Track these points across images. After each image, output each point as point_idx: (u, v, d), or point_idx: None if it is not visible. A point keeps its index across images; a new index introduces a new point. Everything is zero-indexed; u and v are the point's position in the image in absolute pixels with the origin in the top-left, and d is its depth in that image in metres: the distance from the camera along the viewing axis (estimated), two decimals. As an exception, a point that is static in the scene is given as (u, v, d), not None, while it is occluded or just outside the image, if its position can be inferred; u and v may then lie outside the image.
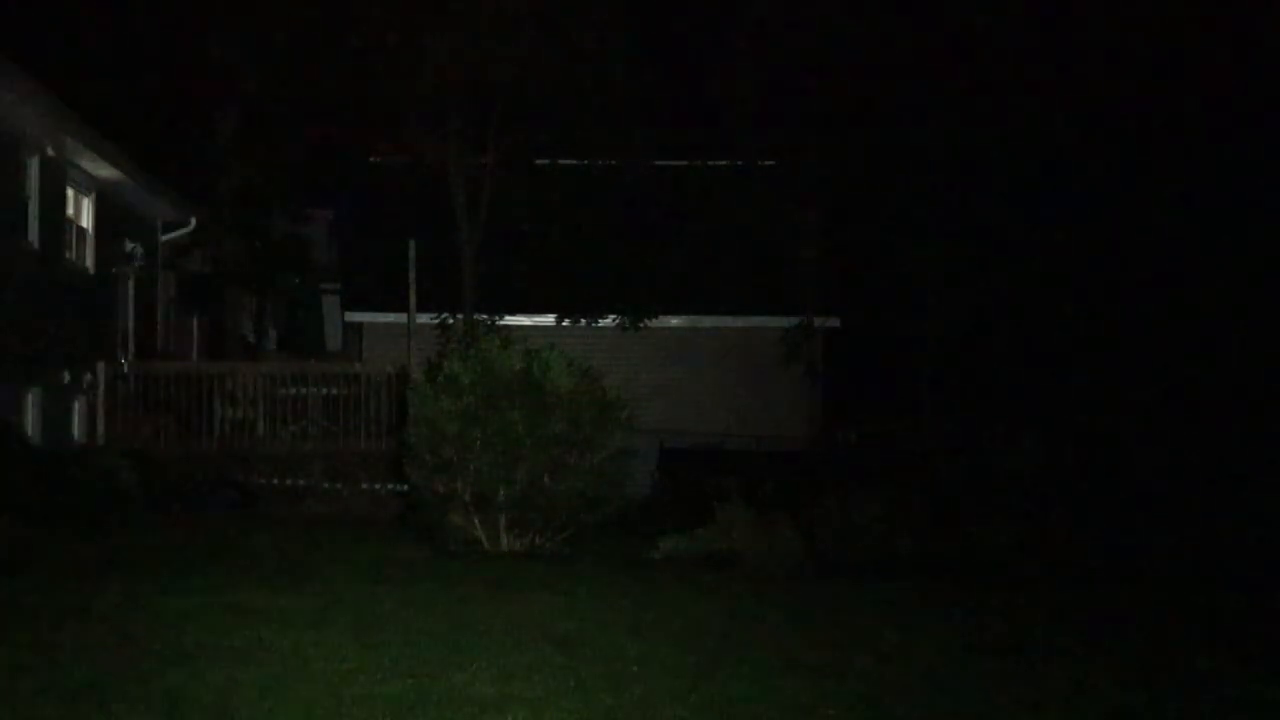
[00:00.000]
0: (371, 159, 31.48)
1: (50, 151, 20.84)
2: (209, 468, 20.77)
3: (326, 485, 20.57)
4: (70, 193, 22.39)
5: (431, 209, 28.50)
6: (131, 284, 25.08)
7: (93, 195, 23.30)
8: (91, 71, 26.80)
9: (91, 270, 23.43)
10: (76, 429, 22.17)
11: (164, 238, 28.05)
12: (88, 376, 22.19)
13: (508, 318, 28.16)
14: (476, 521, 15.04)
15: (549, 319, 29.32)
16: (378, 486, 20.53)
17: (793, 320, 29.94)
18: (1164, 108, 29.50)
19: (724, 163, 31.59)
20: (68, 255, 22.40)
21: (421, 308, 25.56)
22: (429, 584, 12.07)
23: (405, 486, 17.63)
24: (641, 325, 29.81)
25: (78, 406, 22.23)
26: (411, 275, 24.84)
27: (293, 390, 22.66)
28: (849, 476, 20.24)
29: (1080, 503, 20.07)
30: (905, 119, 30.07)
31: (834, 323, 30.48)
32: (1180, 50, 28.88)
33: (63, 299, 21.86)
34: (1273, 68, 28.68)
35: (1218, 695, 8.73)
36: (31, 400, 20.38)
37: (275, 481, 20.45)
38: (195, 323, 32.30)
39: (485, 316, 27.79)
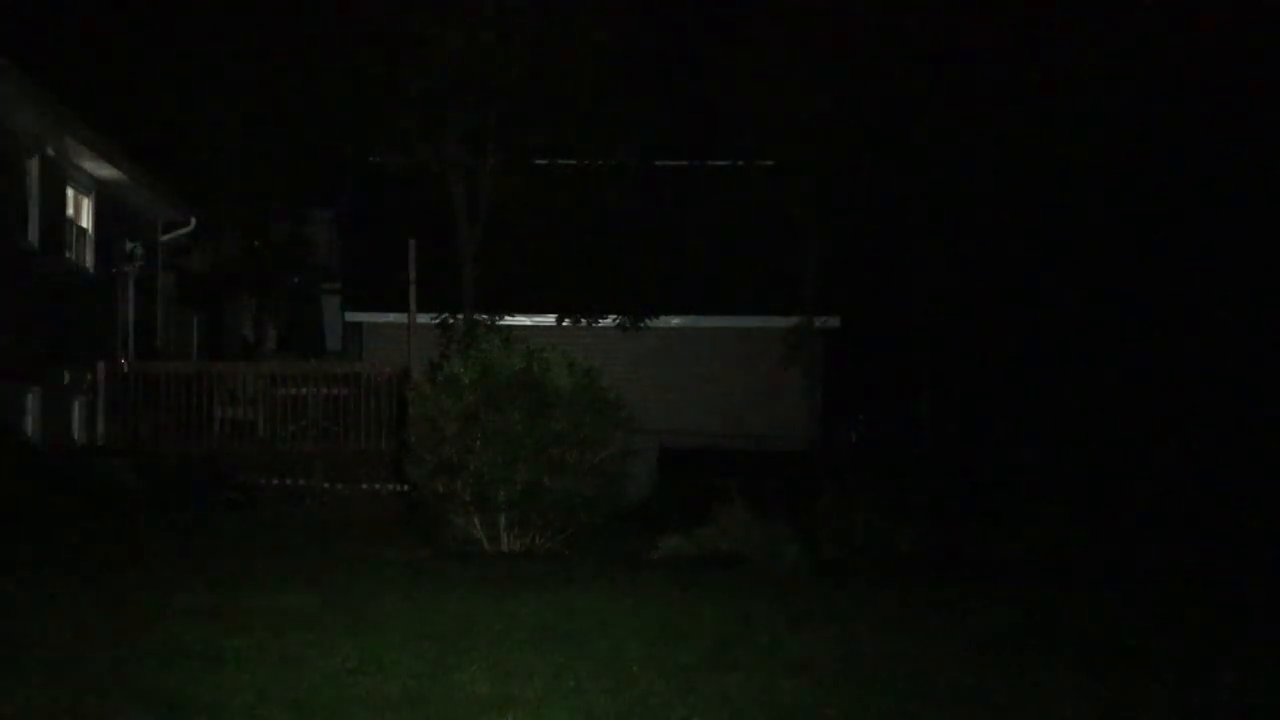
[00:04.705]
0: (371, 159, 31.49)
1: (50, 151, 20.84)
2: (209, 468, 20.75)
3: (326, 485, 20.55)
4: (70, 193, 22.39)
5: (431, 209, 28.50)
6: (131, 284, 25.09)
7: (93, 195, 23.30)
8: (92, 71, 26.80)
9: (91, 270, 23.42)
10: (76, 429, 22.17)
11: (164, 238, 28.04)
12: (88, 376, 22.19)
13: (508, 318, 28.16)
14: (476, 521, 15.03)
15: (549, 319, 29.32)
16: (378, 486, 20.52)
17: (793, 320, 29.93)
18: (1162, 103, 29.49)
19: (724, 163, 31.61)
20: (68, 255, 22.40)
21: (421, 308, 25.56)
22: (429, 584, 12.07)
23: (405, 486, 17.63)
24: (641, 325, 29.81)
25: (78, 406, 22.22)
26: (411, 275, 24.82)
27: (293, 390, 22.65)
28: (849, 476, 20.25)
29: (1079, 503, 20.07)
30: (905, 118, 30.05)
31: (834, 323, 30.48)
32: (1181, 44, 28.87)
33: (63, 298, 21.85)
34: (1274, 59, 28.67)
35: (1215, 696, 8.73)
36: (31, 400, 20.38)
37: (275, 481, 20.42)
38: (195, 322, 32.30)
39: (485, 316, 27.80)
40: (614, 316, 29.84)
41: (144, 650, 8.73)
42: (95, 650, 8.65)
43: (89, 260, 23.38)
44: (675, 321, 30.39)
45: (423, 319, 26.08)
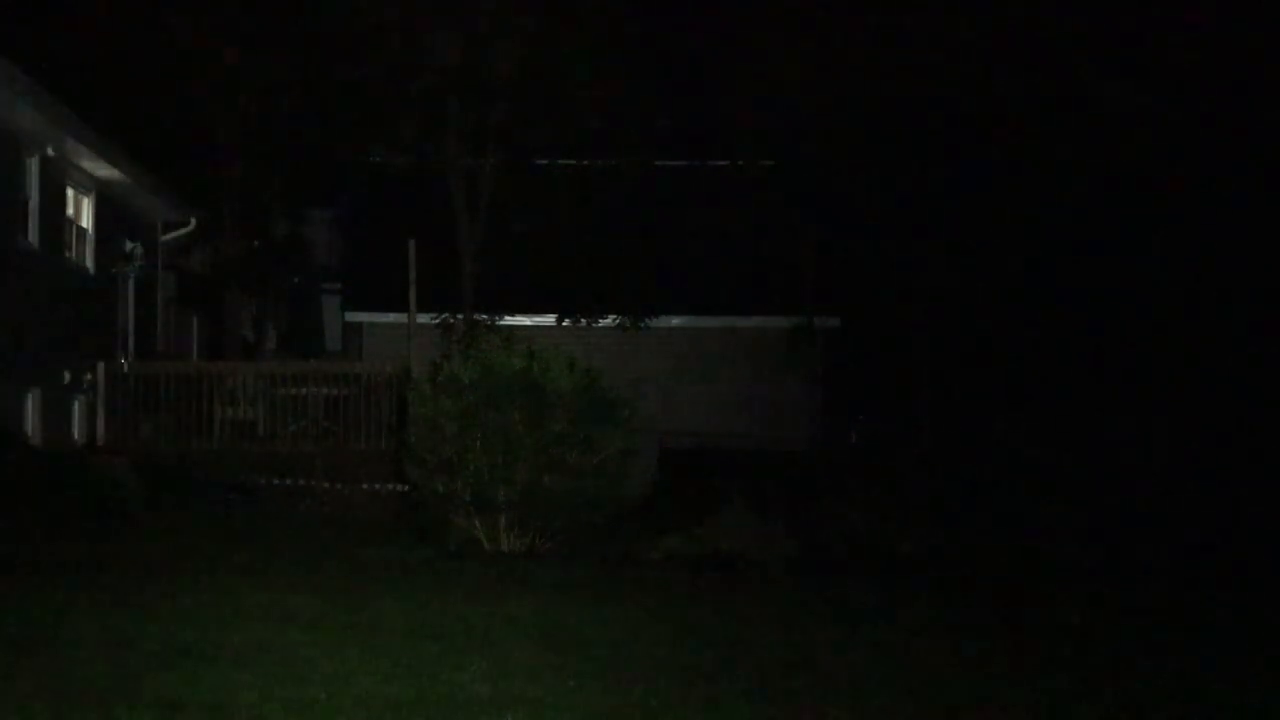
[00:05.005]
0: (371, 159, 31.49)
1: (50, 151, 20.83)
2: (209, 468, 20.75)
3: (326, 485, 20.54)
4: (70, 193, 22.39)
5: (431, 209, 28.50)
6: (131, 284, 25.08)
7: (93, 195, 23.30)
8: (91, 71, 26.79)
9: (91, 270, 23.42)
10: (76, 429, 22.17)
11: (164, 238, 28.05)
12: (88, 376, 22.19)
13: (508, 318, 28.17)
14: (476, 521, 15.03)
15: (549, 319, 29.32)
16: (378, 486, 20.51)
17: (793, 320, 29.94)
18: (1162, 101, 29.48)
19: (724, 163, 31.62)
20: (68, 255, 22.40)
21: (421, 308, 25.55)
22: (429, 584, 12.07)
23: (405, 486, 17.63)
24: (641, 325, 29.81)
25: (78, 406, 22.22)
26: (411, 275, 24.82)
27: (293, 390, 22.65)
28: (848, 476, 20.26)
29: (1080, 502, 20.06)
30: (904, 118, 30.05)
31: (834, 323, 30.49)
32: (1181, 43, 28.87)
33: (63, 299, 21.86)
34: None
35: (1208, 698, 8.74)
36: (31, 400, 20.38)
37: (275, 481, 20.41)
38: (195, 323, 32.28)
39: (485, 316, 27.80)
40: (614, 316, 29.84)
41: (144, 650, 8.73)
42: (95, 650, 8.65)
43: (89, 260, 23.38)
44: (675, 321, 30.39)
45: (423, 319, 26.08)
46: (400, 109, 27.85)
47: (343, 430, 22.15)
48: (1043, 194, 30.89)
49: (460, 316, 27.95)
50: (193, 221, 28.24)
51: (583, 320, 29.67)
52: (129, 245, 24.56)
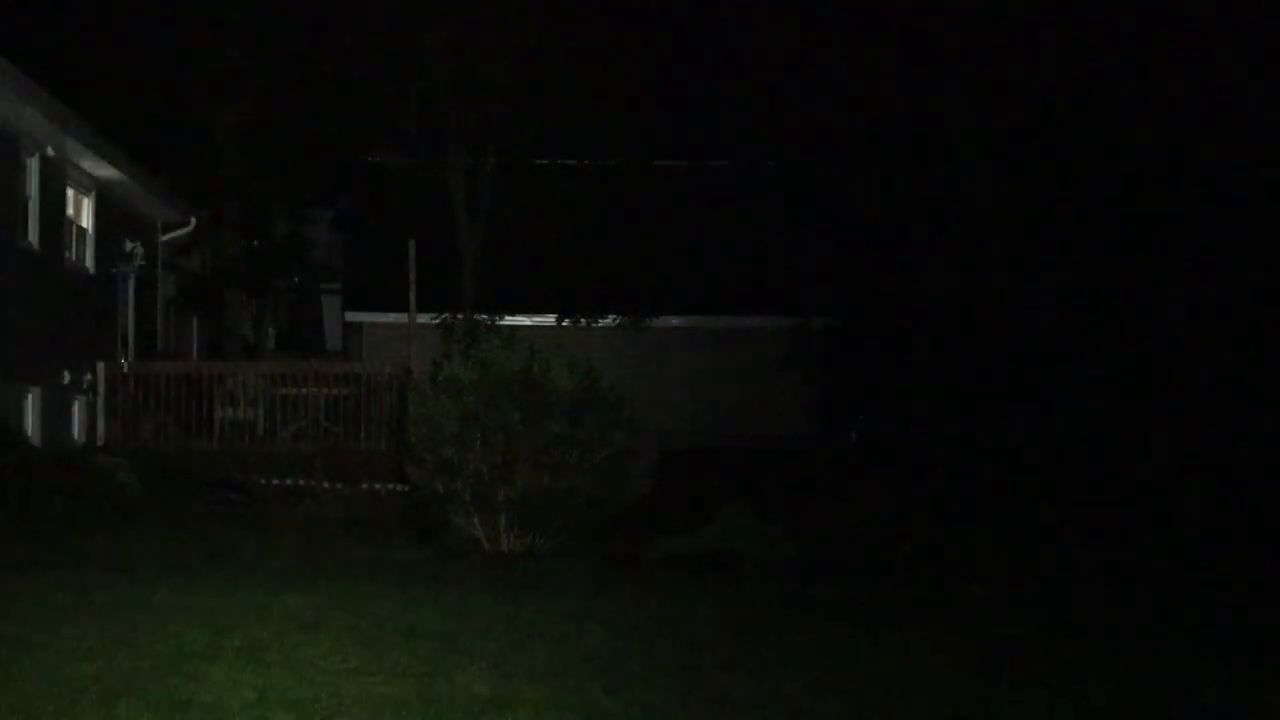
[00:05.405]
0: (371, 159, 31.50)
1: (50, 151, 20.84)
2: (209, 468, 20.77)
3: (326, 485, 20.57)
4: (70, 193, 22.39)
5: (431, 209, 28.52)
6: (131, 284, 25.08)
7: (93, 195, 23.30)
8: (91, 71, 26.79)
9: (91, 270, 23.43)
10: (76, 429, 22.18)
11: (164, 238, 28.04)
12: (88, 376, 22.19)
13: (508, 318, 28.11)
14: (476, 521, 15.05)
15: (549, 319, 29.31)
16: (378, 486, 20.54)
17: (793, 320, 29.94)
18: (1162, 101, 29.48)
19: (723, 163, 31.63)
20: (68, 255, 22.40)
21: (421, 308, 25.58)
22: (429, 584, 12.07)
23: (405, 486, 17.65)
24: (642, 325, 29.81)
25: (78, 406, 22.23)
26: (411, 275, 24.85)
27: (293, 390, 22.66)
28: (848, 477, 20.27)
29: (1078, 503, 20.08)
30: (903, 116, 30.05)
31: (834, 323, 30.50)
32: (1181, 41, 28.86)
33: (63, 299, 21.86)
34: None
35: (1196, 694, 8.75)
36: (31, 400, 20.39)
37: (275, 481, 20.44)
38: (195, 323, 32.28)
39: (485, 316, 27.78)
40: (614, 316, 29.83)
41: (145, 649, 8.73)
42: (95, 650, 8.65)
43: (89, 260, 23.38)
44: (675, 321, 30.38)
45: (423, 319, 26.11)
46: (400, 109, 27.85)
47: (343, 430, 22.17)
48: (1043, 193, 30.88)
49: (460, 316, 27.95)
50: (193, 221, 28.24)
51: (583, 320, 29.66)
52: (129, 245, 24.56)
